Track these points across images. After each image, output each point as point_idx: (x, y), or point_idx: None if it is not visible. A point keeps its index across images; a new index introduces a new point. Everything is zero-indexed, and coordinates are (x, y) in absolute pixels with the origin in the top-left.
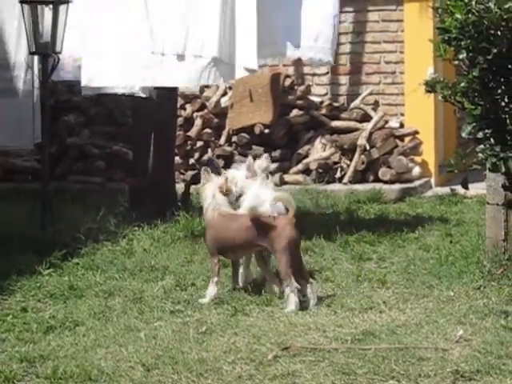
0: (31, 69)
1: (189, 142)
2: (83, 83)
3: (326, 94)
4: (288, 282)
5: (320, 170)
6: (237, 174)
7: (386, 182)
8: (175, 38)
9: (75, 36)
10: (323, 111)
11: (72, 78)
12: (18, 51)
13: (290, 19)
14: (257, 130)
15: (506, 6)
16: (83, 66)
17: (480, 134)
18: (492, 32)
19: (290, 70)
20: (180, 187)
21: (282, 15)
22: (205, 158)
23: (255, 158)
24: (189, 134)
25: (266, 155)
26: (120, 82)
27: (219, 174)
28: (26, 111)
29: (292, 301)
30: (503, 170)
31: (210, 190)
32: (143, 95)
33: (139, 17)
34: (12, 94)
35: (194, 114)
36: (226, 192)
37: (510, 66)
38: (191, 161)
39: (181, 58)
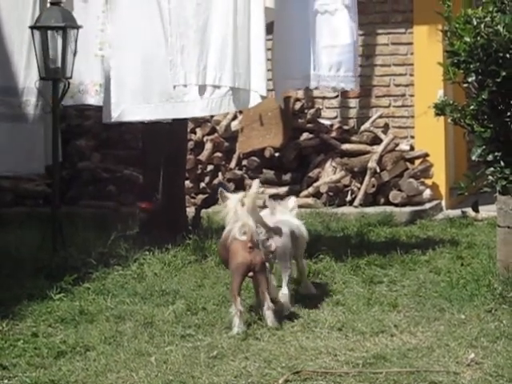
0: (42, 94)
1: (199, 166)
2: (110, 119)
3: (335, 117)
4: (232, 302)
5: (330, 193)
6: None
7: (396, 205)
8: (195, 68)
9: (93, 61)
10: (333, 134)
11: (94, 103)
12: (28, 76)
13: (311, 51)
14: (267, 154)
15: None
16: (106, 102)
17: (490, 157)
18: (501, 55)
19: (300, 94)
20: (191, 211)
21: (303, 47)
22: (215, 181)
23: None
24: (199, 157)
25: (293, 198)
26: (146, 117)
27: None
28: (37, 136)
29: (235, 323)
30: None
31: (231, 207)
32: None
33: (160, 49)
34: (22, 119)
35: (205, 138)
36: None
37: None
38: (202, 185)
39: (201, 88)
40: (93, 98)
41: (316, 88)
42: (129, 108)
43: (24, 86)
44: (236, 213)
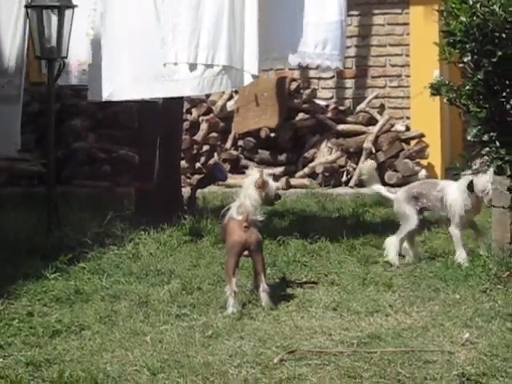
0: (19, 74)
1: (195, 146)
2: (98, 98)
3: (331, 98)
4: (227, 282)
5: (326, 174)
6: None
7: (392, 186)
8: (186, 46)
9: (80, 40)
10: (329, 115)
11: (78, 83)
12: (11, 56)
13: (297, 27)
14: (263, 134)
15: (511, 9)
16: (92, 80)
17: (485, 137)
18: (497, 35)
19: (296, 74)
20: (186, 191)
21: (289, 23)
22: (211, 162)
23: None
24: (195, 138)
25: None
26: (134, 96)
27: (225, 177)
28: (14, 117)
29: (230, 303)
30: (509, 172)
31: (246, 185)
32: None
33: (151, 28)
34: (7, 100)
35: (200, 118)
36: (260, 186)
37: None
38: (197, 165)
39: (193, 66)
40: (76, 78)
41: (309, 67)
42: (120, 87)
43: (8, 65)
44: (247, 192)
